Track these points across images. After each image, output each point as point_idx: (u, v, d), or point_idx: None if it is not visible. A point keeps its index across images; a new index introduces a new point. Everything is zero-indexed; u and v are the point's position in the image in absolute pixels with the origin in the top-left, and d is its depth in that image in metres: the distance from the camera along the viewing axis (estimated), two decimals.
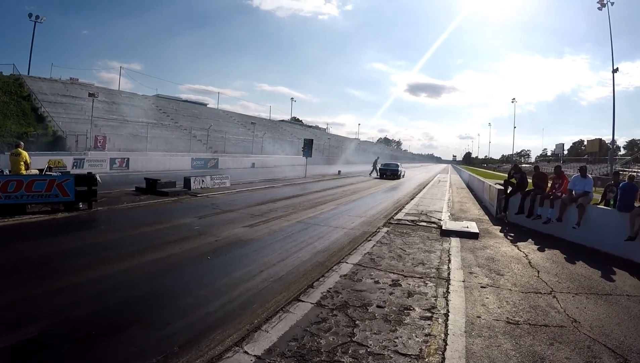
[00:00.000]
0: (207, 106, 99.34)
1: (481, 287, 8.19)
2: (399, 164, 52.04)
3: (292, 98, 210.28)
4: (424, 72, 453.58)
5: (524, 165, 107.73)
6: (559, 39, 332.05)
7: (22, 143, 15.89)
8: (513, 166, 19.48)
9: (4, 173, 15.02)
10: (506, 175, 19.67)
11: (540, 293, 8.05)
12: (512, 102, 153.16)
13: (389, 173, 47.00)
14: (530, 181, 16.90)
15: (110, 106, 59.54)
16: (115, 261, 8.83)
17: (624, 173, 20.29)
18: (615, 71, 44.85)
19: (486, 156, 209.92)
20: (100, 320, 5.98)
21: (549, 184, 15.55)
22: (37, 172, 15.58)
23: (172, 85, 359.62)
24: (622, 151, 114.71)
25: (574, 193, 13.40)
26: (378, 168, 49.92)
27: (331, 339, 5.58)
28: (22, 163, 14.90)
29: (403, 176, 49.78)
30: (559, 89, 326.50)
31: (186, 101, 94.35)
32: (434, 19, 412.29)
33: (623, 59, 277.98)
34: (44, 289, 7.03)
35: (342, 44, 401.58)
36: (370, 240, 12.25)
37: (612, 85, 46.49)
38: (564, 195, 13.96)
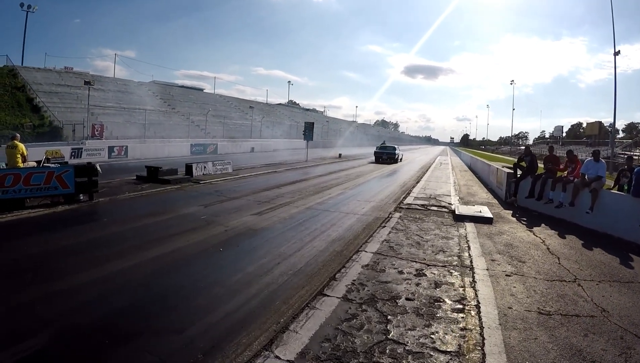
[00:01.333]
0: (204, 91, 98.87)
1: (506, 275, 8.00)
2: (396, 147, 48.23)
3: (289, 81, 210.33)
4: (420, 54, 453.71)
5: (521, 147, 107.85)
6: (557, 21, 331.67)
7: (18, 135, 15.52)
8: (525, 148, 19.22)
9: (1, 167, 14.73)
10: (505, 157, 19.43)
11: (565, 281, 7.86)
12: (511, 84, 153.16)
13: (385, 156, 43.76)
14: (540, 164, 16.58)
15: (106, 94, 59.09)
16: (121, 258, 8.50)
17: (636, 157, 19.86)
18: (617, 53, 44.12)
19: (484, 138, 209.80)
20: (110, 327, 5.62)
21: (562, 167, 15.28)
22: (34, 164, 15.32)
23: (167, 71, 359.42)
24: (621, 134, 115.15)
25: (586, 177, 13.11)
26: (374, 151, 46.49)
27: (366, 338, 5.34)
28: (19, 156, 14.52)
29: (401, 159, 48.17)
30: (557, 72, 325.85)
31: (182, 86, 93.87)
32: (431, 1, 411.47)
33: (621, 41, 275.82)
34: (46, 292, 6.69)
35: (337, 27, 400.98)
36: (385, 226, 12.05)
37: (611, 67, 45.73)
38: (576, 179, 13.67)
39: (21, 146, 14.68)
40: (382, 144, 52.72)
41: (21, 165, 14.41)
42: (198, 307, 6.31)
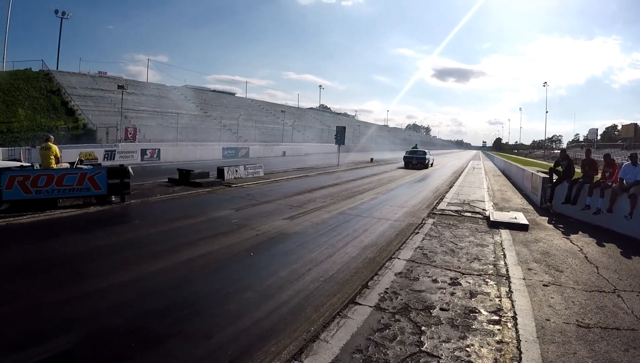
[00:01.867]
0: (236, 95, 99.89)
1: (543, 285, 7.77)
2: (426, 151, 45.90)
3: (320, 85, 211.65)
4: (451, 57, 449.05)
5: (555, 151, 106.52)
6: (590, 20, 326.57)
7: (51, 137, 15.76)
8: (560, 152, 18.88)
9: (35, 168, 14.88)
10: (539, 161, 19.08)
11: (604, 292, 7.59)
12: (544, 85, 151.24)
13: (415, 161, 41.86)
14: (577, 169, 16.25)
15: (139, 98, 60.17)
16: (151, 260, 8.56)
17: None
18: None
19: (517, 142, 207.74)
20: (139, 330, 5.59)
21: (599, 173, 14.94)
22: (67, 165, 15.57)
23: (199, 76, 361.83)
24: None
25: (625, 182, 12.78)
26: (403, 156, 45.09)
27: (398, 349, 5.20)
28: (52, 157, 14.74)
29: (431, 164, 46.15)
30: (590, 72, 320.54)
31: (214, 91, 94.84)
32: (460, 2, 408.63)
33: None
34: (76, 292, 6.77)
35: (367, 30, 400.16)
36: (418, 232, 11.89)
37: None
38: (614, 184, 13.34)
39: (54, 147, 14.89)
40: (412, 148, 50.23)
41: (54, 166, 14.62)
42: (228, 312, 6.25)
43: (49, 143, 14.96)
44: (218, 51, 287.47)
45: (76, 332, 5.36)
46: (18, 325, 5.55)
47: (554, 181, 16.46)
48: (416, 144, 55.20)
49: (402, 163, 44.69)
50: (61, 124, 41.20)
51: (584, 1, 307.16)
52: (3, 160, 23.66)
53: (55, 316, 5.82)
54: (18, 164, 19.41)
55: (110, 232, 11.19)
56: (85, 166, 16.11)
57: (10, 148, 30.94)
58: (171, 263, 8.45)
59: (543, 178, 17.59)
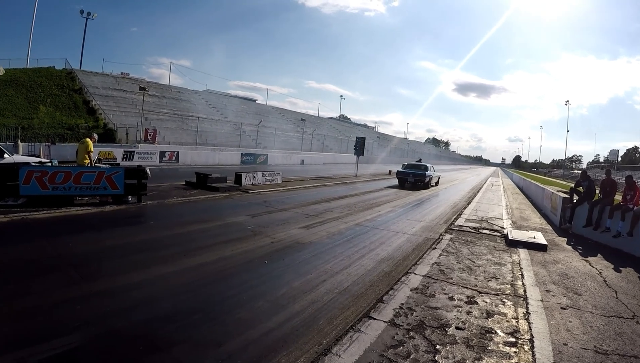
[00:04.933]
0: (256, 102, 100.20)
1: (561, 308, 7.65)
2: (429, 166, 35.39)
3: (341, 95, 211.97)
4: (473, 72, 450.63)
5: (574, 171, 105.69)
6: (614, 39, 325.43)
7: (95, 135, 16.36)
8: (581, 173, 18.64)
9: (53, 164, 14.97)
10: (559, 181, 18.86)
11: (623, 317, 7.46)
12: (566, 104, 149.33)
13: (412, 178, 32.31)
14: (598, 190, 16.02)
15: (160, 100, 60.55)
16: (164, 263, 8.53)
17: None
18: None
19: (536, 160, 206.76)
20: (148, 333, 5.56)
21: (621, 196, 14.73)
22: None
23: (220, 81, 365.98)
24: None
25: None
26: (396, 171, 35.26)
27: None
28: (85, 151, 15.10)
29: (436, 183, 36.91)
30: (613, 92, 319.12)
31: (235, 96, 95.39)
32: (484, 17, 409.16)
33: None
34: (87, 291, 6.76)
35: (389, 42, 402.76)
36: (435, 248, 11.83)
37: None
38: (635, 208, 13.14)
39: (87, 141, 15.28)
40: (416, 161, 40.86)
41: (86, 160, 15.05)
42: (240, 320, 6.17)
43: (86, 138, 15.39)
44: (240, 57, 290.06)
45: (83, 332, 5.34)
46: (25, 321, 5.57)
47: (575, 201, 16.27)
48: (420, 158, 47.39)
49: None
50: (82, 122, 41.47)
51: (608, 20, 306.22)
52: (22, 155, 23.81)
53: (64, 315, 5.81)
54: (37, 160, 19.64)
55: (125, 232, 11.23)
56: (104, 165, 16.20)
57: (30, 144, 31.28)
58: (184, 266, 8.43)
59: (563, 198, 17.43)
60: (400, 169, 34.77)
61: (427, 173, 33.12)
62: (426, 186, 32.46)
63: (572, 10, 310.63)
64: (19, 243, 9.31)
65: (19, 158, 19.61)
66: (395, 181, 33.88)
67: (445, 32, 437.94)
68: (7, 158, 18.46)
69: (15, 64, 55.18)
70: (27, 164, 15.90)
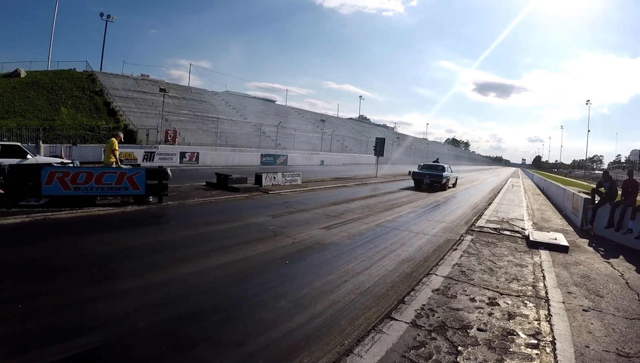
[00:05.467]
0: (276, 102, 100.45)
1: (583, 310, 7.63)
2: (445, 166, 33.81)
3: (360, 96, 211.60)
4: (492, 71, 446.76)
5: (595, 171, 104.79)
6: (634, 37, 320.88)
7: (119, 134, 16.72)
8: (603, 173, 18.48)
9: (75, 165, 15.15)
10: (579, 181, 18.67)
11: None
12: (587, 104, 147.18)
13: (428, 180, 30.78)
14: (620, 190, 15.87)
15: (180, 102, 60.98)
16: (185, 263, 8.61)
17: None
18: None
19: (557, 161, 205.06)
20: (169, 332, 5.60)
21: None
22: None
23: (239, 82, 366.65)
24: None
25: None
26: (413, 172, 33.80)
27: None
28: (110, 151, 15.41)
29: (454, 184, 35.45)
30: (634, 91, 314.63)
31: (255, 97, 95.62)
32: (502, 15, 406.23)
33: None
34: (108, 290, 6.86)
35: (408, 42, 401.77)
36: (456, 249, 11.82)
37: None
38: None
39: (112, 141, 15.58)
40: (433, 161, 40.29)
41: (112, 160, 15.36)
42: (261, 320, 6.19)
43: (111, 138, 15.73)
44: (259, 58, 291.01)
45: (105, 331, 5.41)
46: (48, 319, 5.63)
47: (596, 202, 16.14)
48: (437, 158, 45.71)
49: None
50: (102, 124, 41.86)
51: (628, 17, 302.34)
52: (44, 156, 24.11)
53: (87, 313, 5.89)
54: (59, 160, 19.90)
55: (146, 232, 11.40)
56: (125, 166, 16.35)
57: (52, 145, 31.73)
58: (205, 266, 8.51)
59: (584, 199, 17.29)
60: (416, 170, 33.34)
61: (444, 173, 31.54)
62: (443, 187, 30.91)
63: (591, 8, 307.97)
64: (42, 242, 9.48)
65: (41, 159, 19.92)
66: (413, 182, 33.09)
67: (464, 31, 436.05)
68: (30, 158, 18.79)
69: (36, 66, 55.93)
70: (49, 164, 16.13)
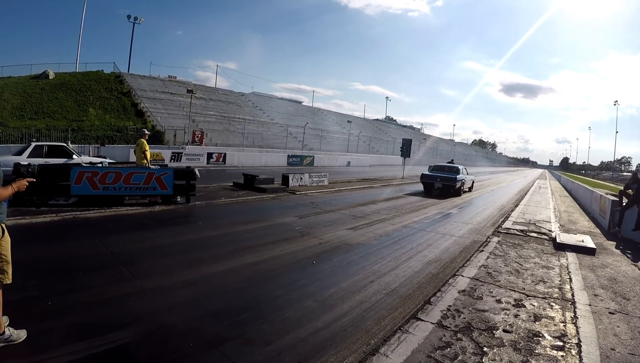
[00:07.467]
0: (302, 103, 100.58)
1: (609, 313, 7.61)
2: (460, 168, 28.97)
3: (387, 97, 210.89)
4: (519, 72, 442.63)
5: (623, 173, 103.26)
6: None
7: (145, 132, 16.93)
8: (632, 175, 18.28)
9: (103, 165, 15.37)
10: (607, 183, 18.46)
11: None
12: (615, 104, 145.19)
13: (440, 183, 26.75)
14: None
15: (207, 103, 61.43)
16: (213, 262, 8.78)
17: None
18: None
19: (584, 162, 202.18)
20: (199, 330, 5.69)
21: None
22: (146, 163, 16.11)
23: (266, 83, 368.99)
24: None
25: None
26: (422, 174, 29.00)
27: None
28: (140, 152, 15.81)
29: (470, 188, 31.22)
30: None
31: (282, 98, 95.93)
32: (529, 16, 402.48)
33: None
34: (139, 288, 7.04)
35: (434, 42, 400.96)
36: (483, 250, 11.84)
37: None
38: None
39: (142, 142, 15.99)
40: (448, 162, 31.85)
41: (144, 161, 15.74)
42: (289, 319, 6.28)
43: (141, 139, 16.13)
44: (285, 59, 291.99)
45: (136, 327, 5.57)
46: (78, 316, 5.77)
47: (624, 204, 15.99)
48: (452, 160, 36.03)
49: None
50: (130, 124, 42.36)
51: None
52: (89, 156, 24.67)
53: (117, 310, 6.04)
54: (100, 160, 20.31)
55: (174, 232, 11.54)
56: (153, 167, 16.54)
57: (80, 145, 32.03)
58: (232, 266, 8.65)
59: (612, 201, 17.15)
60: (426, 172, 29.13)
61: (459, 176, 27.20)
62: (457, 192, 26.90)
63: (617, 7, 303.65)
64: (71, 241, 9.77)
65: (86, 159, 20.35)
66: None
67: (490, 32, 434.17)
68: (76, 158, 19.31)
69: (64, 68, 57.11)
70: (78, 164, 16.45)
